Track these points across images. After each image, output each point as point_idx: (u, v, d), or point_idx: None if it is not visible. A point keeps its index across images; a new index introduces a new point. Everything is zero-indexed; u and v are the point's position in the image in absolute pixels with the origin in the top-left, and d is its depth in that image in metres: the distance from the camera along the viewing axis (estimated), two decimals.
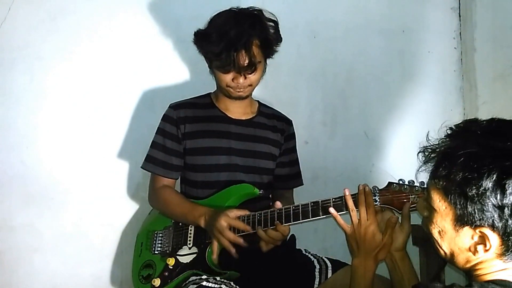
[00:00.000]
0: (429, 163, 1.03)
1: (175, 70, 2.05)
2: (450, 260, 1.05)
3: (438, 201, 1.01)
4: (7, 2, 1.86)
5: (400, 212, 1.37)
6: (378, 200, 1.39)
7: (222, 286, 1.47)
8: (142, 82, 2.01)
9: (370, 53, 2.30)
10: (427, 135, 1.06)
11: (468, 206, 0.95)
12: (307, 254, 1.72)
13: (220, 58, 1.54)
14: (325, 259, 1.68)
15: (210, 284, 1.48)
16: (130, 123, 1.99)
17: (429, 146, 1.04)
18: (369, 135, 2.29)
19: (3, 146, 1.86)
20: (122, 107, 1.98)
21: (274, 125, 1.79)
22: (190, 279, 1.56)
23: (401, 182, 1.39)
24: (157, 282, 1.61)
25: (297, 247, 1.77)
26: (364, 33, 2.29)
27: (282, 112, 1.86)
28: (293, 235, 1.79)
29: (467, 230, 0.98)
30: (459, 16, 2.42)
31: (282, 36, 1.65)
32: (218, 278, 1.51)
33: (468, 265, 1.02)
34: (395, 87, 2.33)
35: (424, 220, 1.10)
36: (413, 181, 1.38)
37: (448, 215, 1.00)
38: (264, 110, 1.81)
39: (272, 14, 1.64)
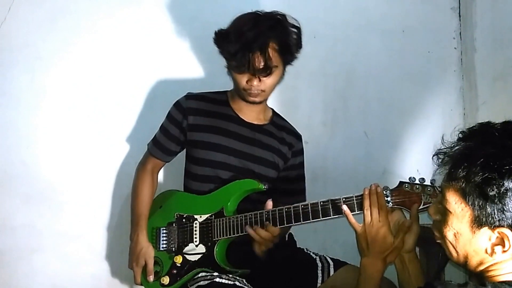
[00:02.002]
0: (445, 166, 1.02)
1: (175, 70, 2.05)
2: (462, 263, 1.04)
3: (454, 203, 1.01)
4: (7, 2, 1.86)
5: (409, 210, 1.37)
6: (391, 201, 1.38)
7: (236, 282, 1.49)
8: (142, 82, 2.01)
9: (370, 53, 2.30)
10: (442, 138, 1.06)
11: (487, 207, 0.95)
12: (309, 252, 1.74)
13: (235, 58, 1.54)
14: (327, 257, 1.69)
15: (223, 280, 1.50)
16: (130, 123, 1.99)
17: (444, 148, 1.04)
18: (369, 135, 2.29)
19: (3, 146, 1.86)
20: (122, 107, 1.98)
21: (282, 137, 1.78)
22: (200, 275, 1.57)
23: (411, 180, 1.39)
24: (166, 280, 1.62)
25: (297, 247, 1.78)
26: (364, 33, 2.29)
27: (293, 126, 1.85)
28: (290, 234, 1.80)
29: (484, 231, 0.98)
30: (459, 16, 2.42)
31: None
32: (230, 275, 1.52)
33: (481, 268, 1.02)
34: (395, 87, 2.33)
35: (436, 223, 1.09)
36: (424, 179, 1.38)
37: (464, 217, 0.99)
38: (276, 121, 1.80)
39: (295, 20, 1.63)
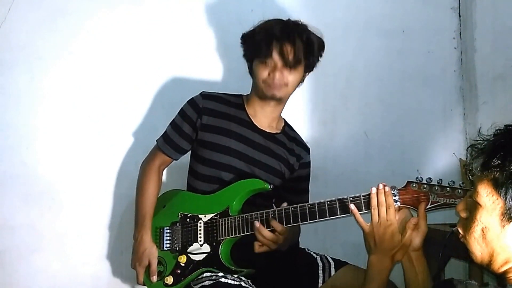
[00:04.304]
0: (480, 157, 1.00)
1: (175, 70, 2.05)
2: (486, 262, 1.02)
3: (486, 196, 0.99)
4: (7, 2, 1.86)
5: (416, 209, 1.37)
6: (398, 200, 1.39)
7: (241, 283, 1.49)
8: (142, 82, 2.01)
9: (370, 53, 2.30)
10: (479, 131, 1.04)
11: None
12: (309, 252, 1.74)
13: (261, 47, 1.58)
14: (328, 257, 1.69)
15: (229, 281, 1.50)
16: (130, 123, 1.99)
17: (480, 141, 1.02)
18: (369, 135, 2.29)
19: (3, 146, 1.87)
20: (122, 107, 1.98)
21: (292, 148, 1.78)
22: (205, 275, 1.57)
23: (418, 180, 1.40)
24: (169, 279, 1.62)
25: (298, 247, 1.79)
26: (364, 33, 2.29)
27: (302, 138, 1.86)
28: None
29: None
30: (459, 16, 2.42)
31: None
32: (235, 276, 1.52)
33: (505, 267, 1.00)
34: (395, 87, 2.33)
35: (462, 220, 1.08)
36: (431, 179, 1.39)
37: (495, 210, 0.98)
38: (288, 131, 1.81)
39: (321, 34, 1.69)
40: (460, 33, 2.42)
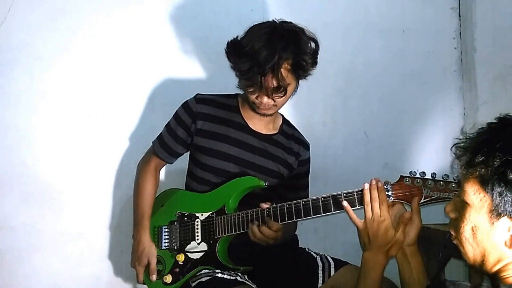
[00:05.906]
0: (464, 156, 0.99)
1: (175, 70, 2.05)
2: (479, 263, 1.02)
3: (473, 194, 0.99)
4: (7, 2, 1.86)
5: (410, 204, 1.37)
6: (391, 195, 1.39)
7: (237, 278, 1.51)
8: (142, 82, 2.01)
9: (370, 53, 2.30)
10: (462, 129, 1.04)
11: (507, 193, 0.93)
12: (309, 252, 1.74)
13: (247, 77, 1.50)
14: (328, 257, 1.69)
15: (225, 276, 1.51)
16: (130, 123, 2.00)
17: (463, 139, 1.02)
18: (369, 135, 2.29)
19: (3, 146, 1.86)
20: (122, 107, 1.98)
21: (290, 147, 1.75)
22: (202, 272, 1.58)
23: (412, 174, 1.39)
24: (168, 278, 1.63)
25: (299, 247, 1.79)
26: (364, 33, 2.29)
27: (302, 134, 1.83)
28: (295, 234, 1.80)
29: (504, 222, 0.95)
30: (459, 16, 2.42)
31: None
32: (232, 272, 1.53)
33: (497, 266, 0.99)
34: (395, 87, 2.33)
35: (452, 221, 1.07)
36: (424, 173, 1.39)
37: (483, 207, 0.97)
38: (286, 129, 1.77)
39: (313, 34, 1.57)
40: (460, 33, 2.42)
